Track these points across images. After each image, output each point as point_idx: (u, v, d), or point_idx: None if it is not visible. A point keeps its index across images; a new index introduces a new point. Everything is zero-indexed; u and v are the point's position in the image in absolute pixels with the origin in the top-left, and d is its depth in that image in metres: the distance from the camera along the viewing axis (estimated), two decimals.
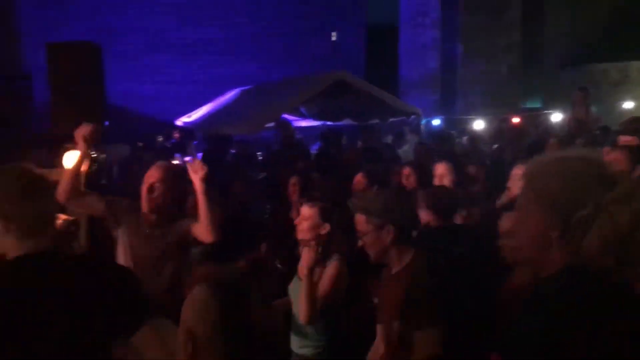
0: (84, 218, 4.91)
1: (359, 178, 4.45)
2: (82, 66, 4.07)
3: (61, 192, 3.00)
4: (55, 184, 2.01)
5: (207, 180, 3.02)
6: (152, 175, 3.06)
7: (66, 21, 11.00)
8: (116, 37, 10.77)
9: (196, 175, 3.00)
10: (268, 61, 12.28)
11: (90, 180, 4.66)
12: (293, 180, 4.69)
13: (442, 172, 4.00)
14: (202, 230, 2.98)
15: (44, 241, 1.83)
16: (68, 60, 4.04)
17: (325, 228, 2.92)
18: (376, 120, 10.13)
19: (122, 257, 3.05)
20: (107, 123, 4.27)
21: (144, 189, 3.06)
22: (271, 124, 9.39)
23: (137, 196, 3.13)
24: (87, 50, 4.15)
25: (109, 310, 1.96)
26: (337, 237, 3.03)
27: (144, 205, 3.06)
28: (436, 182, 3.97)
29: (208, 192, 3.02)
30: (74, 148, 4.10)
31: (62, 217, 2.91)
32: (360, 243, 2.67)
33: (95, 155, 4.06)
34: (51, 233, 1.91)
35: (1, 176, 1.83)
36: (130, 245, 3.02)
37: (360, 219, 2.46)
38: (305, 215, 2.95)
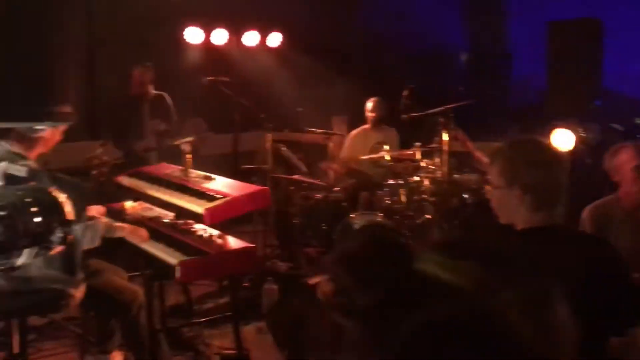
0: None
1: None
2: (580, 44, 3.99)
3: None
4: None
5: None
6: (631, 157, 2.80)
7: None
8: (610, 12, 10.14)
9: None
10: None
11: (577, 157, 4.57)
12: None
13: None
14: None
15: (553, 216, 1.85)
16: (567, 37, 4.01)
17: None
18: None
19: None
20: (599, 103, 4.11)
21: (629, 172, 2.81)
22: None
23: (604, 181, 2.94)
24: (587, 27, 4.04)
25: (611, 302, 1.85)
26: None
27: (630, 190, 2.82)
28: None
29: None
30: (563, 127, 4.09)
31: None
32: None
33: (584, 134, 3.95)
34: (560, 208, 1.92)
35: (525, 147, 1.89)
36: (622, 237, 2.82)
37: None
38: None
